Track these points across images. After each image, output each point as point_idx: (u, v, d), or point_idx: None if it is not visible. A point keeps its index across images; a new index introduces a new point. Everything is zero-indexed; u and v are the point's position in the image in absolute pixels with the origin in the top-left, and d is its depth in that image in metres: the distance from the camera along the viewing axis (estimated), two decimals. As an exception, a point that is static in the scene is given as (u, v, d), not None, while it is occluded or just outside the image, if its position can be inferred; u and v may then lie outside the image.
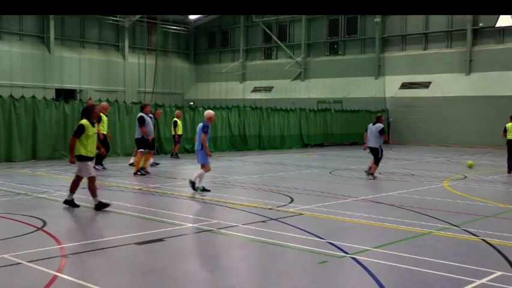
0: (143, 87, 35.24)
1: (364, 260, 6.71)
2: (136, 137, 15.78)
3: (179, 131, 21.40)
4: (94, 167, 15.96)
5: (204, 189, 12.09)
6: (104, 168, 16.57)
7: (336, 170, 17.67)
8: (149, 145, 15.59)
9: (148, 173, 15.55)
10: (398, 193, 12.52)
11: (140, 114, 15.66)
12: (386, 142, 15.44)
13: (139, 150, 15.56)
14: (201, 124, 12.16)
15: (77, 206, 10.00)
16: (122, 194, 12.06)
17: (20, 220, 8.84)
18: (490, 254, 7.21)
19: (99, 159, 16.26)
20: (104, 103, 18.29)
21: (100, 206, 9.77)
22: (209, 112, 12.30)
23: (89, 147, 9.85)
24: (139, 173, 15.25)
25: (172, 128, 21.33)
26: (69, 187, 10.10)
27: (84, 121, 9.88)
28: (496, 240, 7.85)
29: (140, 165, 15.42)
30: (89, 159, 9.96)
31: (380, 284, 5.83)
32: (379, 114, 16.16)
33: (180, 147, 22.64)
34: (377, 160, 15.30)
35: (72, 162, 9.96)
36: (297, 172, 16.89)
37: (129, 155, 21.62)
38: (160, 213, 9.64)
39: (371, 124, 15.68)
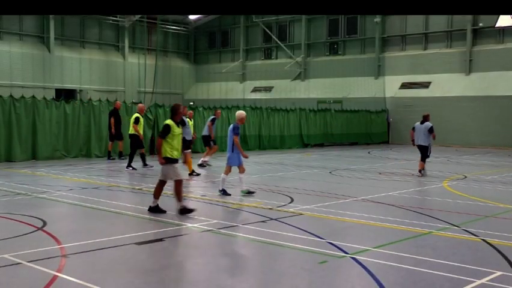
0: (143, 87, 35.17)
1: (364, 260, 6.71)
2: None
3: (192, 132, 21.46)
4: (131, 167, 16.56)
5: (249, 192, 11.73)
6: (134, 168, 16.64)
7: (336, 170, 17.67)
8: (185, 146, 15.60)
9: (198, 174, 15.60)
10: (398, 193, 12.52)
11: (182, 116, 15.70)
12: (434, 139, 16.54)
13: (186, 152, 15.60)
14: (231, 125, 11.77)
15: (164, 211, 9.49)
16: (122, 194, 12.07)
17: (20, 220, 8.85)
18: (490, 254, 7.22)
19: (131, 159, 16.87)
20: (141, 104, 18.30)
21: (184, 211, 9.38)
22: (241, 113, 11.80)
23: (174, 148, 9.44)
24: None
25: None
26: (153, 193, 9.68)
27: (169, 121, 9.47)
28: (496, 240, 7.85)
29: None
30: (175, 161, 9.49)
31: (380, 284, 5.83)
32: (427, 113, 16.91)
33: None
34: (424, 157, 16.15)
35: (162, 163, 9.49)
36: (297, 172, 16.89)
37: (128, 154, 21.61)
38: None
39: (418, 123, 16.51)
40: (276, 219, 9.22)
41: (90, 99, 21.57)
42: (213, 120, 18.63)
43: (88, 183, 13.48)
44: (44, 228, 8.24)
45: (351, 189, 13.23)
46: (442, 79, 33.92)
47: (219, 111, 20.60)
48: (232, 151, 11.64)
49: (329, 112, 31.89)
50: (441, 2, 10.05)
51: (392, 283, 5.93)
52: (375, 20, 36.39)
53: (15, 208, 9.93)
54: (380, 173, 16.72)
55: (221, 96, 41.63)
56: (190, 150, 15.81)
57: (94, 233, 8.03)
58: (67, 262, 6.50)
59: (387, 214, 9.86)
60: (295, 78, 40.63)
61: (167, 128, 9.36)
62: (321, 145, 30.60)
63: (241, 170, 11.71)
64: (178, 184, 9.47)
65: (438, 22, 34.66)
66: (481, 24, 32.83)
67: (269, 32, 42.06)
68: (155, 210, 9.57)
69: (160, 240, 7.66)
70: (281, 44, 41.35)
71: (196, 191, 12.78)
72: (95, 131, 20.88)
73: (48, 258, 6.64)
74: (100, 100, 21.48)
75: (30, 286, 5.68)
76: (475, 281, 5.92)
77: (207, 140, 18.43)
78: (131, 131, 16.81)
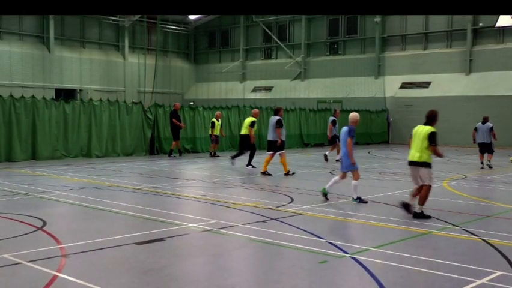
0: (143, 87, 35.24)
1: (364, 260, 6.71)
2: (271, 139, 15.99)
3: (216, 132, 22.03)
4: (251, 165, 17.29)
5: (360, 201, 11.03)
6: (254, 166, 17.29)
7: (336, 170, 17.61)
8: (281, 147, 15.96)
9: (270, 174, 15.77)
10: (398, 193, 12.51)
11: (278, 117, 15.98)
12: (494, 137, 18.68)
13: (269, 152, 15.96)
14: (345, 128, 11.19)
15: (429, 217, 9.48)
16: (122, 194, 12.06)
17: (20, 220, 8.85)
18: (490, 254, 7.21)
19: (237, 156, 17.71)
20: (256, 109, 19.04)
21: (419, 215, 9.44)
22: (355, 115, 11.35)
23: (431, 153, 9.64)
24: (266, 173, 15.66)
25: (210, 128, 22.23)
26: (418, 199, 9.54)
27: (433, 128, 9.74)
28: (496, 240, 7.85)
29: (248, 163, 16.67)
30: (430, 165, 9.70)
31: (380, 284, 5.83)
32: (487, 116, 19.21)
33: (180, 147, 22.71)
34: (491, 151, 18.74)
35: (439, 155, 9.70)
36: (297, 172, 16.87)
37: (129, 155, 21.69)
38: (160, 213, 9.64)
39: (480, 123, 18.91)
40: (276, 219, 9.22)
41: (91, 99, 21.57)
42: (333, 122, 20.66)
43: (88, 183, 13.48)
44: (44, 228, 8.24)
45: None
46: (442, 79, 33.91)
47: (338, 111, 22.11)
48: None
49: (329, 112, 31.84)
50: (441, 2, 10.05)
51: (392, 283, 5.93)
52: (375, 20, 36.38)
53: (15, 208, 9.93)
54: (380, 173, 16.72)
55: (221, 96, 41.63)
56: (284, 151, 16.11)
57: (94, 233, 8.03)
58: (67, 262, 6.50)
59: (387, 214, 9.86)
60: (295, 78, 40.62)
61: (436, 134, 9.65)
62: (321, 145, 30.57)
63: (357, 177, 11.14)
64: (428, 189, 9.57)
65: (439, 22, 34.64)
66: (481, 24, 32.80)
67: (269, 32, 42.04)
68: (421, 216, 9.48)
69: (160, 240, 7.66)
70: (281, 44, 41.34)
71: (197, 191, 12.78)
72: (96, 131, 20.88)
73: (48, 258, 6.64)
74: (100, 100, 21.48)
75: (30, 286, 5.68)
76: (475, 281, 5.92)
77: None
78: (244, 132, 17.52)
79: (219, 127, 22.13)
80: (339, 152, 20.53)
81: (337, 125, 20.88)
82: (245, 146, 17.55)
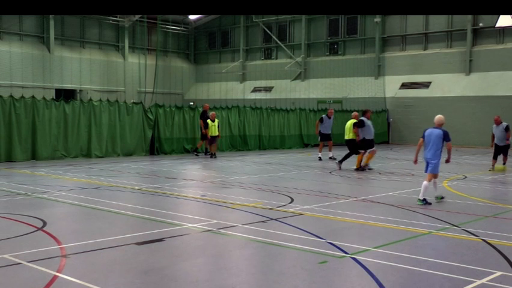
0: (143, 87, 35.21)
1: (364, 260, 6.71)
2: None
3: (211, 132, 21.77)
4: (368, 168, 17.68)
5: (442, 198, 11.40)
6: (370, 169, 17.56)
7: (336, 170, 17.65)
8: (369, 145, 17.29)
9: (371, 169, 17.36)
10: (397, 193, 12.51)
11: (362, 118, 17.50)
12: (507, 138, 18.12)
13: (368, 151, 17.29)
14: (438, 130, 11.00)
15: None
16: (122, 194, 12.07)
17: (20, 220, 8.85)
18: (490, 254, 7.22)
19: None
20: (356, 112, 19.32)
21: None
22: (442, 117, 11.25)
23: None
24: (361, 169, 17.01)
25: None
26: None
27: None
28: (496, 240, 7.85)
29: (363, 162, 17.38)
30: None
31: (380, 284, 5.83)
32: (499, 117, 18.75)
33: (180, 147, 22.75)
34: (506, 153, 18.16)
35: None
36: (297, 172, 16.88)
37: (129, 155, 21.70)
38: (160, 213, 9.65)
39: (494, 125, 18.24)
40: (276, 219, 9.22)
41: (90, 99, 21.57)
42: (321, 120, 21.69)
43: (88, 183, 13.48)
44: (44, 228, 8.24)
45: (351, 189, 13.23)
46: (442, 79, 33.90)
47: (331, 110, 23.03)
48: (439, 159, 11.10)
49: (328, 112, 31.84)
50: (441, 2, 10.05)
51: (392, 283, 5.93)
52: (375, 20, 36.37)
53: (15, 208, 9.94)
54: (379, 173, 16.72)
55: (221, 96, 41.61)
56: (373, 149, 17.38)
57: (94, 233, 8.03)
58: (67, 262, 6.50)
59: (387, 214, 9.87)
60: (295, 78, 40.62)
61: None
62: (321, 145, 30.54)
63: (435, 177, 11.34)
64: None
65: (438, 22, 34.63)
66: (481, 24, 32.80)
67: (269, 32, 42.04)
68: None
69: (160, 240, 7.66)
70: (281, 44, 41.34)
71: (196, 191, 12.78)
72: (96, 131, 20.88)
73: (48, 258, 6.64)
74: (100, 100, 21.48)
75: (30, 286, 5.68)
76: (475, 281, 5.92)
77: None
78: (348, 137, 18.15)
79: (213, 127, 21.70)
80: (330, 149, 21.66)
81: (326, 124, 21.96)
82: (353, 150, 17.86)
